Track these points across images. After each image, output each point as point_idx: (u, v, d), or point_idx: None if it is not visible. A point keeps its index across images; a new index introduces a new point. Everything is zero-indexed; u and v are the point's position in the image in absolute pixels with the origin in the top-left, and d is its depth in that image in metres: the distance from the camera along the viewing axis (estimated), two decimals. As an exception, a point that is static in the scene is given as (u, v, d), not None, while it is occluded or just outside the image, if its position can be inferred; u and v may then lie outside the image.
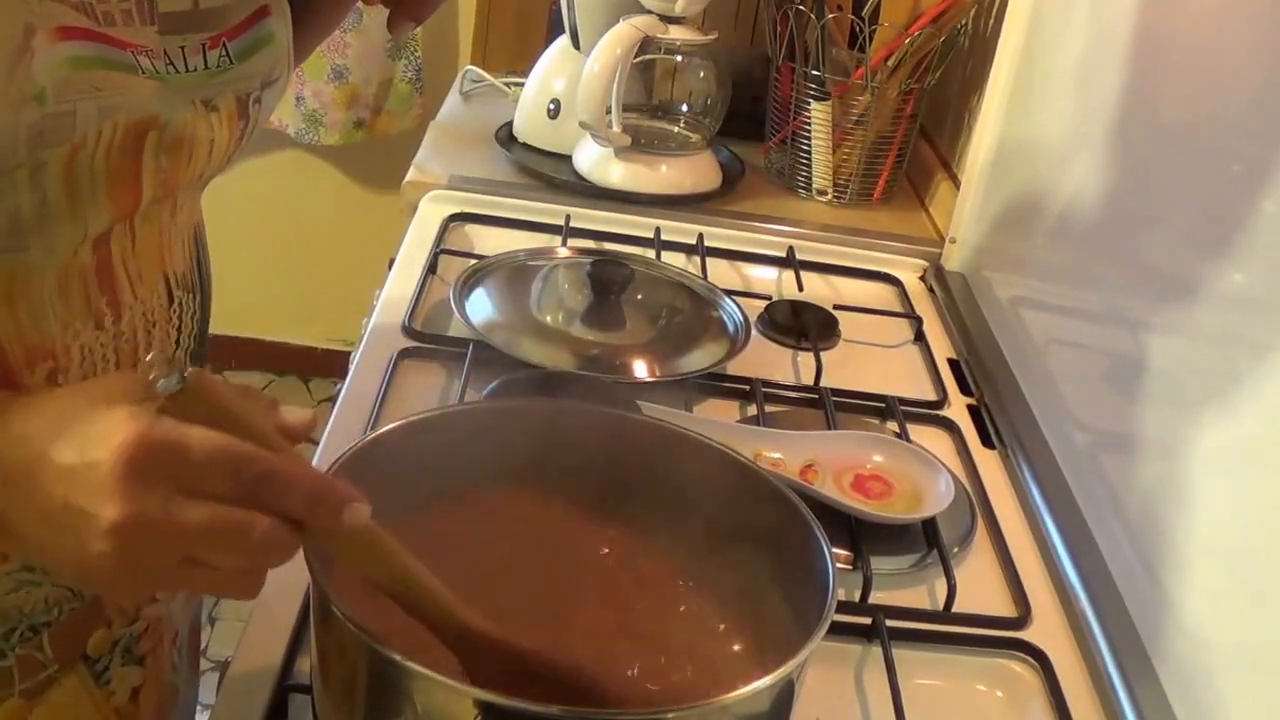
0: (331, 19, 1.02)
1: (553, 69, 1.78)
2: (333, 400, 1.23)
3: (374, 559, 0.67)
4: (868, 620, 0.98)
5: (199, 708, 1.11)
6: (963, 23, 1.70)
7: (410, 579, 0.69)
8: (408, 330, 1.30)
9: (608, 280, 1.30)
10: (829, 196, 1.77)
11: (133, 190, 0.76)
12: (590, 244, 1.54)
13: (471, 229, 1.58)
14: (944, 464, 1.13)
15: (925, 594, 1.04)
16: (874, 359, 1.42)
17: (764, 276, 1.58)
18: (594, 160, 1.68)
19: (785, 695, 0.73)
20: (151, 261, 0.83)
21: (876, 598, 1.01)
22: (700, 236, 1.58)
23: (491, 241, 1.53)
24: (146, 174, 0.76)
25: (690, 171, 1.70)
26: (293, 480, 0.60)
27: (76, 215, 0.74)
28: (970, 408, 1.33)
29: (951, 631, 1.00)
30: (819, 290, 1.54)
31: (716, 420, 1.20)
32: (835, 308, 1.46)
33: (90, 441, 0.57)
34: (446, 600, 0.70)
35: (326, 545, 0.64)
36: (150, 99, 0.74)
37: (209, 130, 0.78)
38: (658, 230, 1.57)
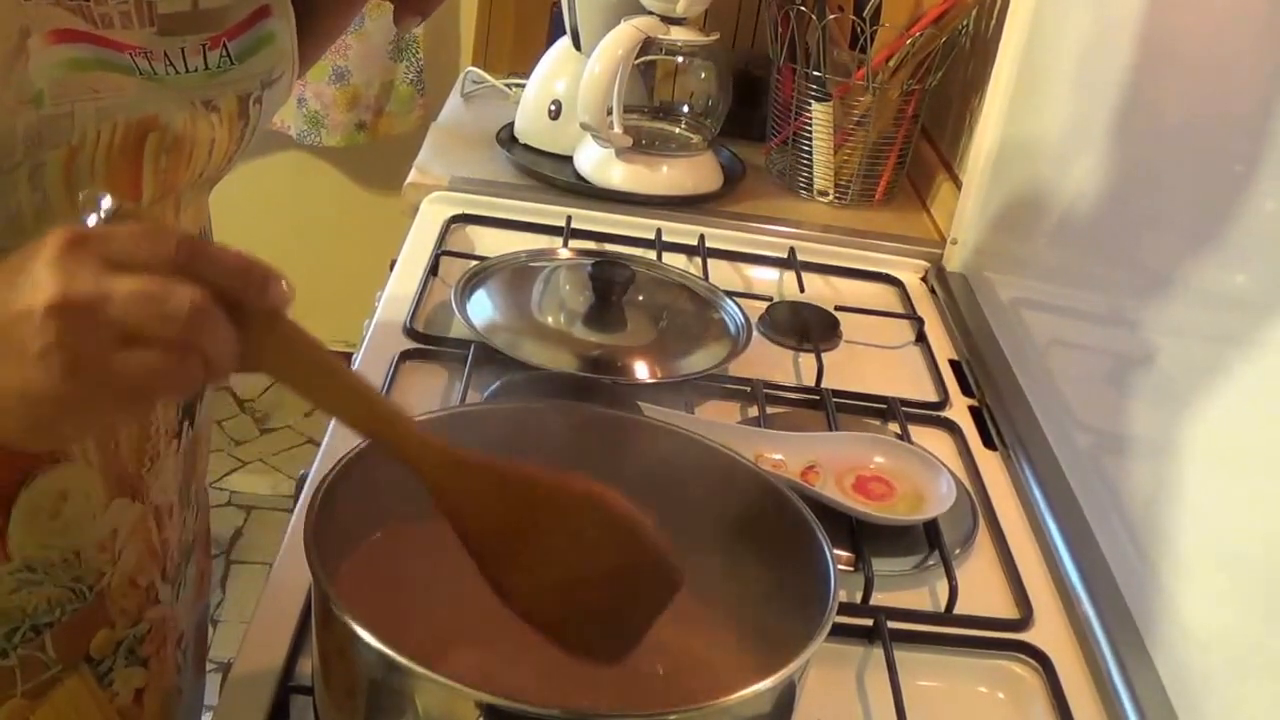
0: (334, 27, 1.02)
1: (554, 70, 1.78)
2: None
3: (301, 360, 0.63)
4: (869, 622, 0.98)
5: (203, 708, 1.11)
6: (964, 23, 1.70)
7: (339, 382, 0.65)
8: (409, 331, 1.30)
9: (609, 281, 1.30)
10: (830, 197, 1.77)
11: (132, 190, 0.75)
12: (591, 245, 1.54)
13: (473, 230, 1.58)
14: (945, 465, 1.13)
15: (927, 595, 1.04)
16: (875, 360, 1.42)
17: (765, 277, 1.58)
18: (595, 161, 1.68)
19: (787, 697, 0.73)
20: None
21: (878, 599, 1.01)
22: (701, 237, 1.58)
23: (493, 243, 1.53)
24: (146, 174, 0.75)
25: (691, 172, 1.70)
26: (219, 253, 0.59)
27: (76, 214, 0.73)
28: (972, 409, 1.33)
29: (953, 633, 1.00)
30: (820, 291, 1.54)
31: (718, 421, 1.20)
32: (836, 309, 1.46)
33: (23, 257, 0.57)
34: (384, 409, 0.68)
35: (253, 350, 0.60)
36: (150, 100, 0.74)
37: (209, 130, 0.78)
38: (659, 231, 1.57)
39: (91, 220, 0.60)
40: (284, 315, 0.61)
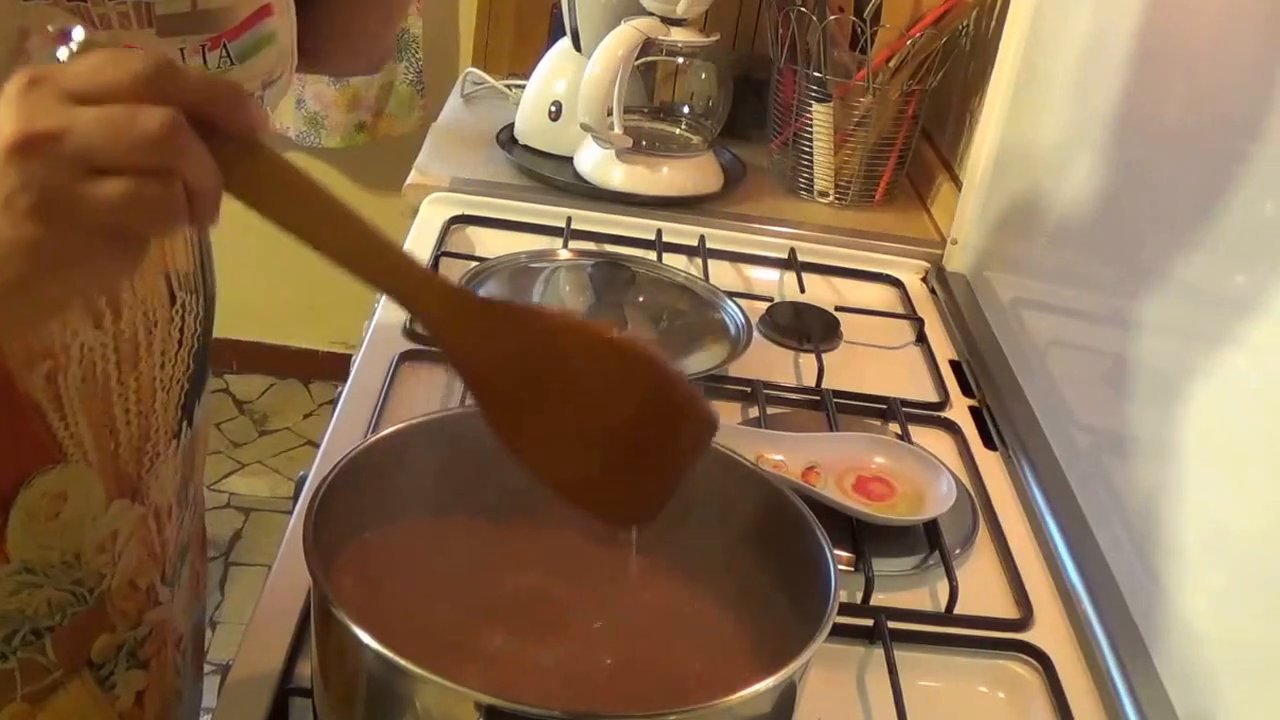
0: (339, 64, 1.02)
1: (554, 71, 1.78)
2: (334, 403, 1.23)
3: (282, 186, 0.59)
4: (870, 622, 0.98)
5: (202, 710, 1.11)
6: (964, 24, 1.70)
7: (326, 211, 0.60)
8: (409, 333, 1.30)
9: (609, 282, 1.30)
10: (830, 198, 1.77)
11: None
12: (592, 246, 1.54)
13: (473, 231, 1.58)
14: (946, 465, 1.13)
15: (927, 595, 1.04)
16: (876, 360, 1.42)
17: (765, 278, 1.58)
18: (595, 162, 1.68)
19: (787, 697, 0.73)
20: (151, 259, 0.82)
21: (878, 599, 1.01)
22: (702, 238, 1.58)
23: (493, 243, 1.53)
24: None
25: (692, 173, 1.70)
26: (187, 73, 0.54)
27: None
28: (972, 409, 1.34)
29: (953, 633, 1.00)
30: (820, 292, 1.54)
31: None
32: (837, 309, 1.46)
33: None
34: (378, 242, 0.62)
35: (232, 176, 0.56)
36: None
37: None
38: (659, 232, 1.57)
39: (63, 54, 0.55)
40: (260, 139, 0.57)
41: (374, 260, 0.62)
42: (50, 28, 0.61)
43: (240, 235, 3.08)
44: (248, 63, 0.79)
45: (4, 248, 0.52)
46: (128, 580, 0.86)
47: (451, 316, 0.64)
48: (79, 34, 0.55)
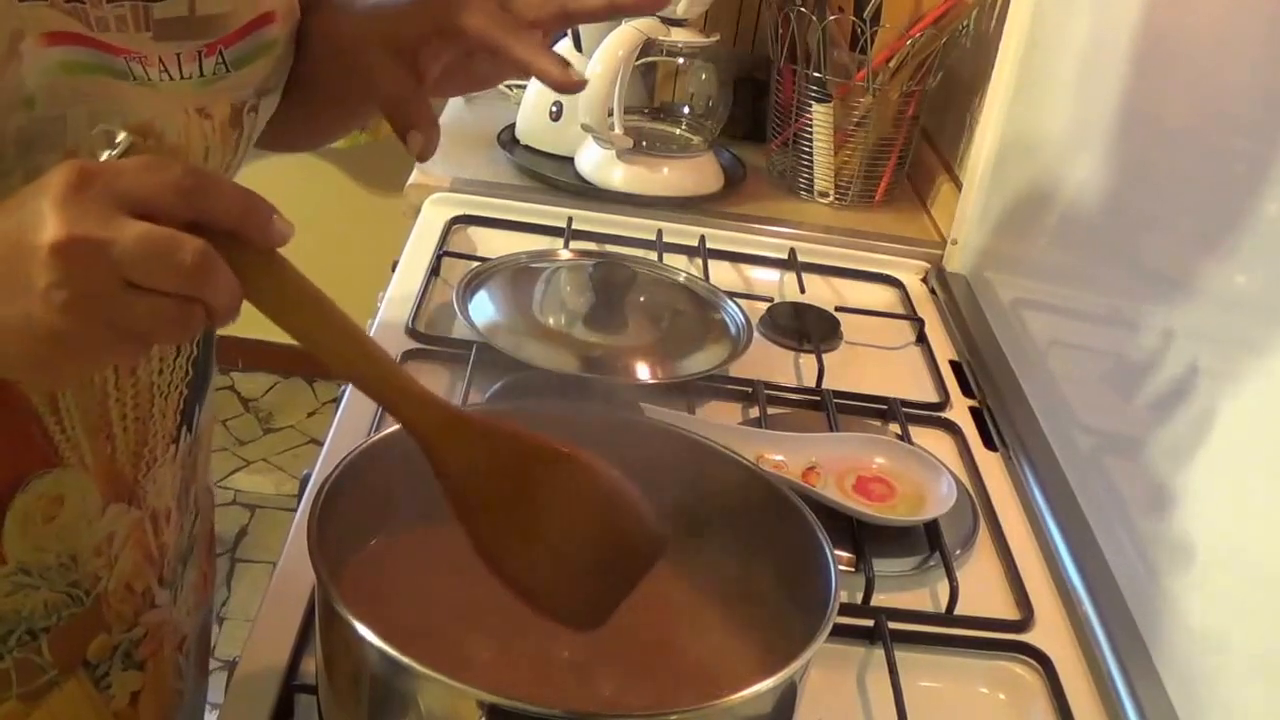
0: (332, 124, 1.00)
1: (555, 71, 1.78)
2: (337, 402, 1.24)
3: (297, 301, 0.66)
4: (870, 622, 0.98)
5: (208, 706, 1.12)
6: (964, 24, 1.70)
7: (337, 329, 0.66)
8: (411, 332, 1.30)
9: (610, 282, 1.30)
10: (830, 198, 1.77)
11: None
12: (592, 246, 1.54)
13: (474, 231, 1.58)
14: (946, 466, 1.13)
15: (927, 596, 1.05)
16: (876, 361, 1.42)
17: (766, 278, 1.58)
18: (596, 162, 1.68)
19: (788, 697, 0.73)
20: None
21: (879, 600, 1.01)
22: (702, 238, 1.59)
23: (494, 244, 1.53)
24: None
25: (692, 173, 1.70)
26: (225, 188, 0.60)
27: None
28: (972, 409, 1.34)
29: (954, 634, 1.00)
30: (821, 292, 1.54)
31: (719, 422, 1.19)
32: (837, 309, 1.46)
33: (30, 191, 0.57)
34: (382, 364, 0.67)
35: (251, 287, 0.62)
36: (143, 106, 0.72)
37: (204, 139, 0.77)
38: (660, 232, 1.57)
39: (104, 156, 0.60)
40: (280, 255, 0.63)
41: (374, 375, 0.67)
42: (94, 130, 0.62)
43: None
44: (244, 70, 0.79)
45: (34, 333, 0.57)
46: (124, 583, 0.86)
47: (439, 435, 0.69)
48: (123, 138, 0.60)
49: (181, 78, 0.74)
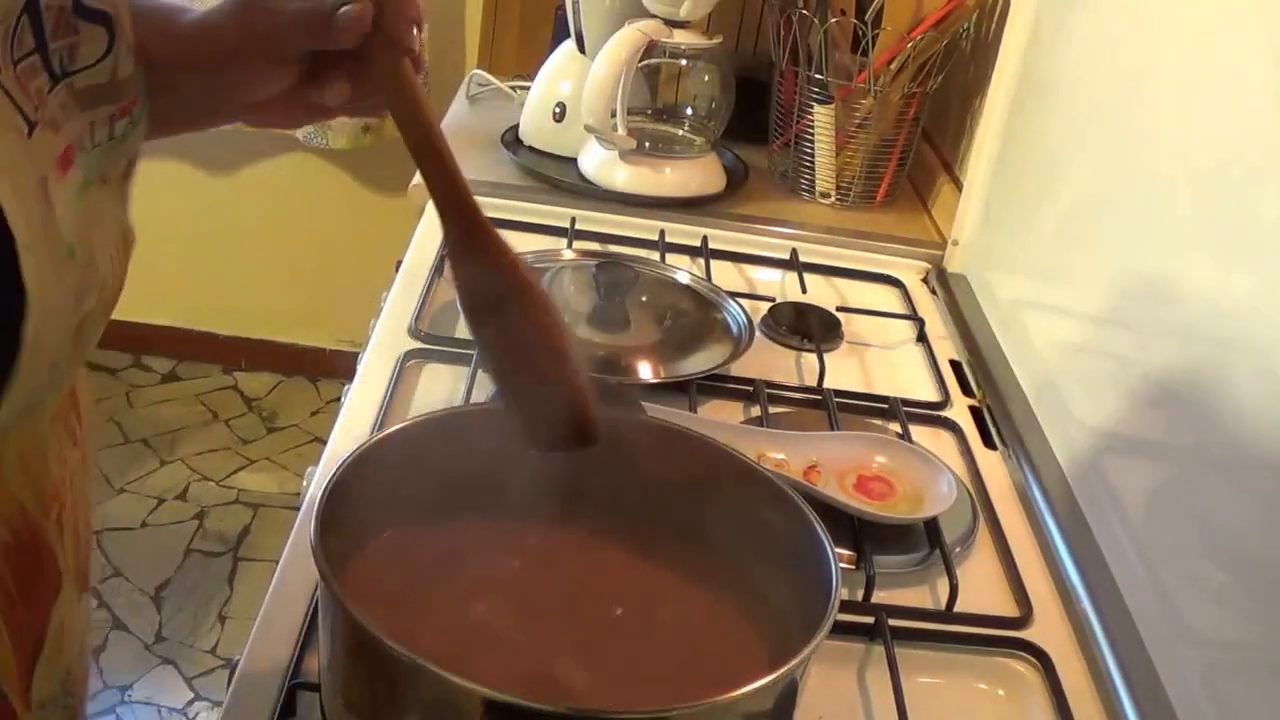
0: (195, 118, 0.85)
1: (558, 73, 1.79)
2: (340, 401, 1.24)
3: (402, 87, 0.76)
4: (870, 620, 0.98)
5: (209, 705, 1.12)
6: (965, 27, 1.71)
7: (419, 120, 0.78)
8: (415, 332, 1.30)
9: (613, 282, 1.30)
10: (832, 199, 1.78)
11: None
12: (595, 246, 1.55)
13: (478, 231, 1.58)
14: (946, 464, 1.13)
15: (927, 594, 1.05)
16: (876, 360, 1.42)
17: (767, 278, 1.59)
18: (599, 163, 1.69)
19: (788, 693, 0.74)
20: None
21: (879, 597, 1.01)
22: (704, 239, 1.59)
23: (499, 244, 1.53)
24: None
25: (695, 174, 1.71)
26: None
27: (84, 353, 0.67)
28: (972, 409, 1.34)
29: (953, 631, 1.00)
30: (822, 292, 1.54)
31: (720, 421, 1.20)
32: (838, 309, 1.47)
33: None
34: (444, 159, 0.80)
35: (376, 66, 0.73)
36: (105, 202, 0.65)
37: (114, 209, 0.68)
38: (662, 233, 1.58)
39: None
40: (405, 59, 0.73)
41: (432, 165, 0.80)
42: None
43: (248, 235, 3.11)
44: (143, 121, 0.69)
45: None
46: (85, 668, 0.82)
47: (463, 242, 0.78)
48: None
49: (93, 147, 0.64)
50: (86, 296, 0.62)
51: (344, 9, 0.71)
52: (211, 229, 3.11)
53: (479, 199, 1.69)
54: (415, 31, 0.75)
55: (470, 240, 0.77)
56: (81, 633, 0.79)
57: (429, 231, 1.56)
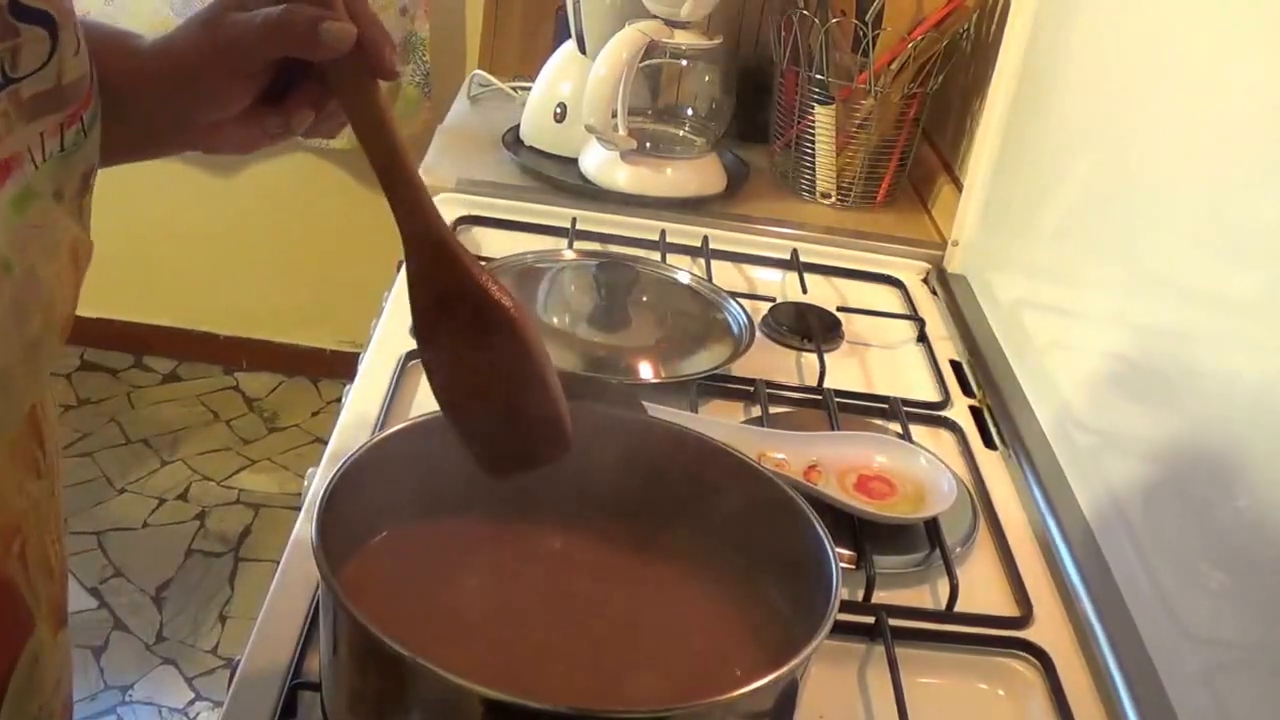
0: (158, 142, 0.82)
1: (559, 73, 1.79)
2: (341, 402, 1.24)
3: (367, 109, 0.74)
4: (871, 619, 0.98)
5: (210, 705, 1.12)
6: (965, 27, 1.71)
7: (383, 140, 0.74)
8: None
9: (614, 282, 1.30)
10: (833, 199, 1.78)
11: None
12: (596, 246, 1.55)
13: (479, 231, 1.58)
14: (947, 464, 1.13)
15: (928, 594, 1.05)
16: (877, 360, 1.42)
17: (768, 278, 1.59)
18: (600, 163, 1.69)
19: (789, 693, 0.74)
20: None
21: (879, 597, 1.00)
22: (705, 239, 1.59)
23: (498, 244, 1.53)
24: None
25: (695, 174, 1.71)
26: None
27: (40, 378, 0.66)
28: (973, 409, 1.34)
29: (954, 631, 1.00)
30: (822, 292, 1.54)
31: (721, 421, 1.20)
32: (839, 309, 1.47)
33: None
34: (404, 172, 0.74)
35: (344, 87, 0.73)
36: (54, 216, 0.63)
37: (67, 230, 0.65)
38: (663, 233, 1.58)
39: None
40: (376, 82, 0.72)
41: (398, 187, 0.74)
42: None
43: (249, 236, 3.11)
44: (95, 130, 0.68)
45: None
46: (62, 704, 0.80)
47: (421, 263, 0.74)
48: None
49: (44, 160, 0.62)
50: (30, 317, 0.61)
51: (328, 24, 0.69)
52: (212, 229, 3.11)
53: (481, 199, 1.70)
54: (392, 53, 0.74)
55: (434, 267, 0.74)
56: (59, 669, 0.78)
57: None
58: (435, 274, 0.74)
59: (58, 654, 0.77)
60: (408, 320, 1.28)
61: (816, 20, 1.67)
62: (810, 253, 1.62)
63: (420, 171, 1.68)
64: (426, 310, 0.74)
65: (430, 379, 0.76)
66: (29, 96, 0.60)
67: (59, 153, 0.63)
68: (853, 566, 1.03)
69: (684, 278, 1.42)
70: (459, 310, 0.74)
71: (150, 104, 0.76)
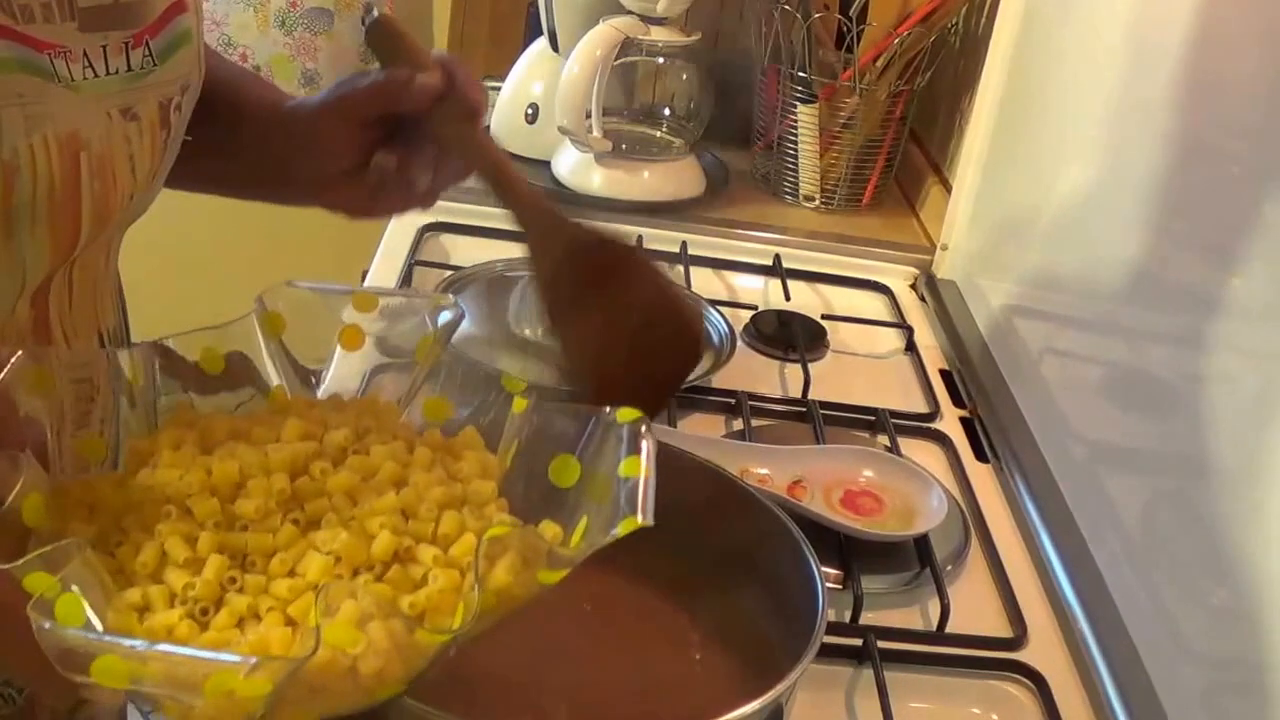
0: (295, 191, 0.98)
1: (530, 72, 1.78)
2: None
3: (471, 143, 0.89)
4: (858, 641, 0.97)
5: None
6: (953, 22, 1.70)
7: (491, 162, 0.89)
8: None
9: (589, 289, 1.29)
10: (816, 202, 1.77)
11: (72, 225, 0.73)
12: (571, 252, 1.52)
13: (447, 239, 1.57)
14: (936, 479, 1.13)
15: (918, 614, 1.04)
16: (863, 370, 1.42)
17: (749, 285, 1.58)
18: (574, 166, 1.68)
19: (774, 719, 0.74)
20: (87, 315, 0.81)
21: (867, 618, 1.00)
22: (684, 245, 1.58)
23: (468, 252, 1.52)
24: (84, 206, 0.73)
25: (673, 177, 1.70)
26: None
27: (15, 261, 0.71)
28: (963, 420, 1.33)
29: (945, 653, 0.99)
30: (806, 299, 1.54)
31: (701, 435, 1.19)
32: (823, 317, 1.47)
33: None
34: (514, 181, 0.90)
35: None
36: (69, 112, 0.71)
37: (126, 144, 0.75)
38: (640, 238, 1.56)
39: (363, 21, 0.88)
40: (473, 120, 0.87)
41: (508, 193, 0.90)
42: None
43: (206, 245, 3.05)
44: (168, 63, 0.78)
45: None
46: None
47: (542, 239, 0.90)
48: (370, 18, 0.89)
49: (108, 73, 0.74)
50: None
51: (420, 76, 0.84)
52: (212, 229, 3.09)
53: (449, 204, 1.66)
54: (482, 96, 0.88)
55: (550, 236, 0.89)
56: None
57: (395, 239, 1.54)
58: (552, 240, 0.88)
59: None
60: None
61: (799, 15, 1.66)
62: (793, 258, 1.61)
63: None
64: (553, 282, 0.88)
65: (566, 350, 0.89)
66: (84, 6, 0.72)
67: (126, 71, 0.75)
68: (839, 586, 1.03)
69: (662, 284, 1.40)
70: (579, 262, 0.87)
71: (279, 144, 0.91)
